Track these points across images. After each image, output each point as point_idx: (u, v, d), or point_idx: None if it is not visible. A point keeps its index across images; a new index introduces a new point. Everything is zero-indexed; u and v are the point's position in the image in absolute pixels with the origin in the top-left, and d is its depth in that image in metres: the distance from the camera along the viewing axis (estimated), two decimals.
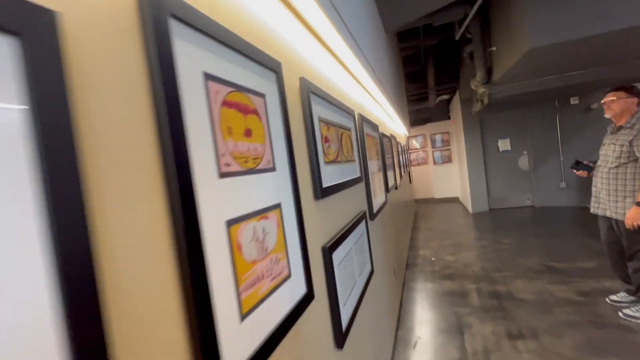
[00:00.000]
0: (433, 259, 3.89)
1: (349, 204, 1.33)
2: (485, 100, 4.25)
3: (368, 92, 2.10)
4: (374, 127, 2.20)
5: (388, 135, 3.07)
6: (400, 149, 5.14)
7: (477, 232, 4.86)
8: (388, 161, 2.78)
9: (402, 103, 5.91)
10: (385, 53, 2.99)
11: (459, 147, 7.28)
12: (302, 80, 0.92)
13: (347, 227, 1.20)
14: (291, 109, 0.85)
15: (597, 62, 3.44)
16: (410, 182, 6.40)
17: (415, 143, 8.70)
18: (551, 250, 3.64)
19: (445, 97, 7.79)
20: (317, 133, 0.97)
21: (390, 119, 3.70)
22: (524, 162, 6.09)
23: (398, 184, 3.52)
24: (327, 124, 1.11)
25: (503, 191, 6.25)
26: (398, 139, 4.41)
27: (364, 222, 1.52)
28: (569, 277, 2.93)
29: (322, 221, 0.97)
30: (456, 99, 6.73)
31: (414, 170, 8.79)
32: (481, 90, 4.04)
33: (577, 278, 2.90)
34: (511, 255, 3.64)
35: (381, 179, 2.30)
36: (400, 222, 3.58)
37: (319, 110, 1.03)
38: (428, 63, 6.27)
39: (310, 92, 0.94)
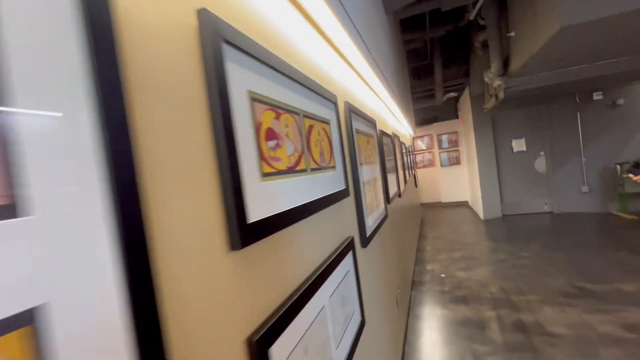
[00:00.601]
0: (443, 275, 3.40)
1: (321, 234, 0.87)
2: (501, 95, 3.76)
3: (361, 78, 1.65)
4: (370, 122, 1.74)
5: (389, 133, 2.61)
6: (405, 150, 4.67)
7: (491, 242, 4.35)
8: (389, 164, 2.32)
9: (407, 100, 5.44)
10: (385, 37, 2.54)
11: (468, 148, 6.77)
12: (204, 14, 0.46)
13: (315, 276, 0.75)
14: (166, 62, 0.39)
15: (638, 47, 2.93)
16: (416, 186, 5.92)
17: (421, 144, 8.22)
18: (581, 267, 3.13)
19: (453, 94, 7.30)
20: (239, 118, 0.52)
21: (392, 116, 3.24)
22: (541, 163, 5.57)
23: (402, 190, 3.05)
24: (274, 106, 0.65)
25: (518, 196, 5.73)
26: (402, 139, 3.94)
27: (350, 254, 1.07)
28: (609, 304, 2.43)
29: (247, 288, 0.51)
30: (465, 96, 6.24)
31: (420, 172, 8.28)
32: (496, 83, 3.56)
33: (619, 305, 2.40)
34: (534, 273, 3.14)
35: (380, 189, 1.84)
36: (404, 233, 3.11)
37: (250, 79, 0.57)
38: (434, 57, 5.78)
39: (222, 39, 0.49)
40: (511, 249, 3.95)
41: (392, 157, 2.53)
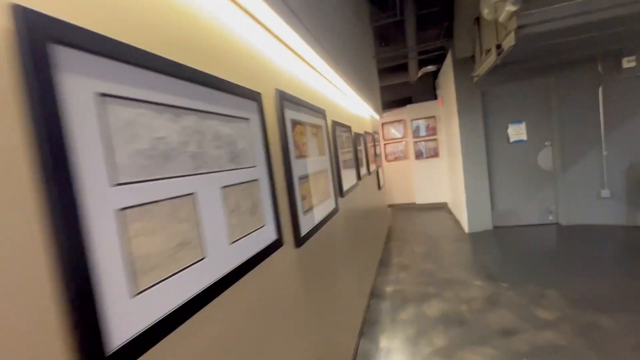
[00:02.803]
0: None
1: None
2: (509, 42, 2.17)
3: None
4: None
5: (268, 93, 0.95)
6: (361, 142, 3.04)
7: (485, 281, 2.82)
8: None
9: (368, 70, 3.80)
10: None
11: (449, 135, 5.25)
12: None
13: None
14: None
15: None
16: (380, 188, 4.34)
17: (395, 132, 6.64)
18: None
19: (431, 68, 5.72)
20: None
21: (334, 88, 1.57)
22: (546, 158, 4.10)
23: (327, 215, 1.40)
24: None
25: (514, 201, 4.26)
26: (348, 124, 2.30)
27: None
28: None
29: None
30: (447, 64, 4.65)
31: (391, 167, 6.73)
32: (508, 9, 1.94)
33: None
34: None
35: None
36: (333, 287, 1.48)
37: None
38: (406, 8, 4.14)
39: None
40: (518, 299, 2.43)
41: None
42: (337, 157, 1.95)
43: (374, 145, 4.31)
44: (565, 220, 4.00)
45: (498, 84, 4.05)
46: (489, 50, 2.76)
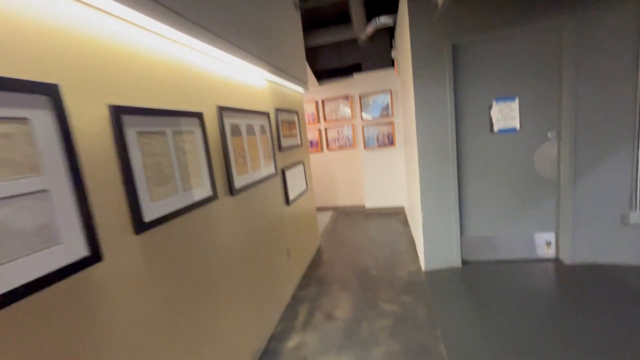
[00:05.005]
0: None
1: None
2: None
3: None
4: None
5: None
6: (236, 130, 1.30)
7: None
8: None
9: (271, 11, 2.02)
10: None
11: (407, 117, 3.65)
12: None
13: None
14: None
15: None
16: (289, 203, 2.67)
17: (347, 110, 4.94)
18: None
19: (385, 21, 4.02)
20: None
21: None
22: (547, 158, 2.60)
23: None
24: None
25: (494, 224, 2.76)
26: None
27: None
28: None
29: None
30: (402, 6, 2.97)
31: (334, 158, 5.09)
32: None
33: None
34: None
35: None
36: None
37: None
38: None
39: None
40: None
41: None
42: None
43: (283, 132, 2.60)
44: (570, 255, 2.58)
45: (478, 30, 2.42)
46: None
